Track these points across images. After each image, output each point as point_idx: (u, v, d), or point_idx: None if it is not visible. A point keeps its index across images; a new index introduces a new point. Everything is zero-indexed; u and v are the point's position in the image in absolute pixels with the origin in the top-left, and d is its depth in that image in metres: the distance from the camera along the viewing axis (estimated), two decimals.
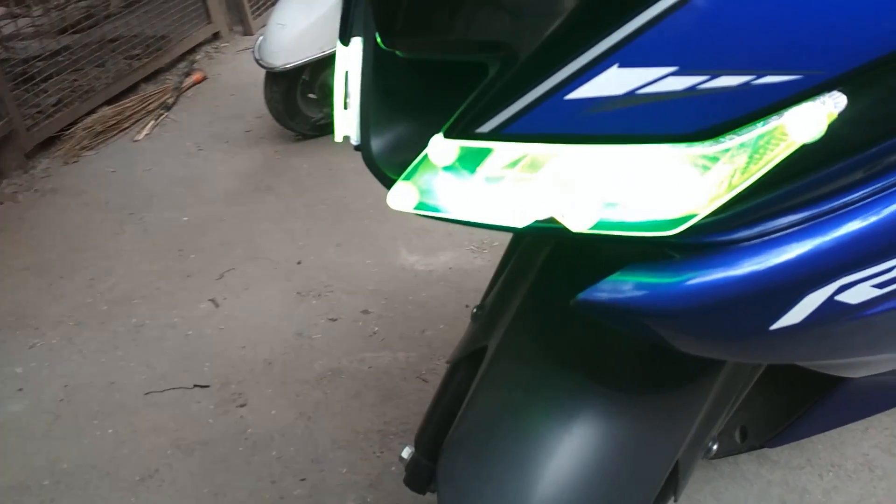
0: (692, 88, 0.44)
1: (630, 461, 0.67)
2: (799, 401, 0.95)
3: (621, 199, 0.49)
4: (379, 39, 0.59)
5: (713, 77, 0.44)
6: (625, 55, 0.45)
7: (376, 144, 0.62)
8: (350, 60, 0.63)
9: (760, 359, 0.65)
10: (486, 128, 0.51)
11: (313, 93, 2.71)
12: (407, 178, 0.57)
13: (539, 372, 0.69)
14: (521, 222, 0.53)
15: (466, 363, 0.94)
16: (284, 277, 2.08)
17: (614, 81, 0.46)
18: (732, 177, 0.46)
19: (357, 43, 0.63)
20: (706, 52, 0.44)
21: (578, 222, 0.51)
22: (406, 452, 1.03)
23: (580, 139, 0.48)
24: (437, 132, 0.56)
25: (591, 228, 0.51)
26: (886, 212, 0.49)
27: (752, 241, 0.51)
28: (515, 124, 0.50)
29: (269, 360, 1.78)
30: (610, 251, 0.64)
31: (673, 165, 0.47)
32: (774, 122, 0.44)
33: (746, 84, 0.43)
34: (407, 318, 1.89)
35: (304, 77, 2.65)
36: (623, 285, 0.54)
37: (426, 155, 0.55)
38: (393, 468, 1.46)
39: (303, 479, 1.47)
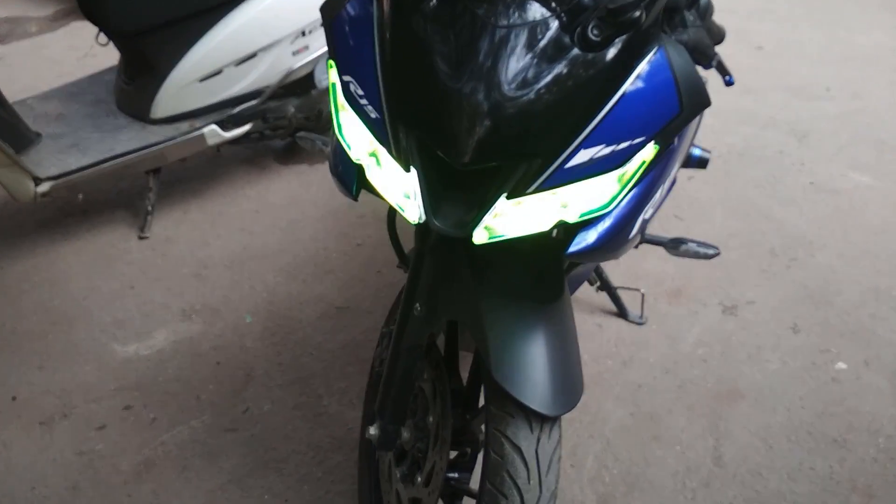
0: (612, 151, 1.08)
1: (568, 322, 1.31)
2: None
3: (589, 199, 1.12)
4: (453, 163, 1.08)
5: (618, 144, 1.09)
6: (586, 143, 1.06)
7: (438, 219, 1.12)
8: (412, 179, 1.11)
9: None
10: (532, 188, 1.08)
11: None
12: (476, 225, 1.09)
13: (515, 305, 1.26)
14: (546, 225, 1.11)
15: (412, 348, 1.41)
16: (10, 417, 2.00)
17: (584, 154, 1.07)
18: (627, 179, 1.13)
19: (414, 171, 1.09)
20: (612, 137, 1.08)
21: (574, 216, 1.12)
22: (373, 429, 1.44)
23: (574, 181, 1.09)
24: (469, 201, 1.11)
25: (581, 216, 1.12)
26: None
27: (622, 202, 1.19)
28: (546, 182, 1.07)
29: (73, 486, 1.80)
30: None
31: (611, 180, 1.12)
32: (639, 156, 1.12)
33: (629, 145, 1.10)
34: (172, 394, 2.06)
35: None
36: (583, 239, 1.15)
37: (493, 210, 1.08)
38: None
39: None
